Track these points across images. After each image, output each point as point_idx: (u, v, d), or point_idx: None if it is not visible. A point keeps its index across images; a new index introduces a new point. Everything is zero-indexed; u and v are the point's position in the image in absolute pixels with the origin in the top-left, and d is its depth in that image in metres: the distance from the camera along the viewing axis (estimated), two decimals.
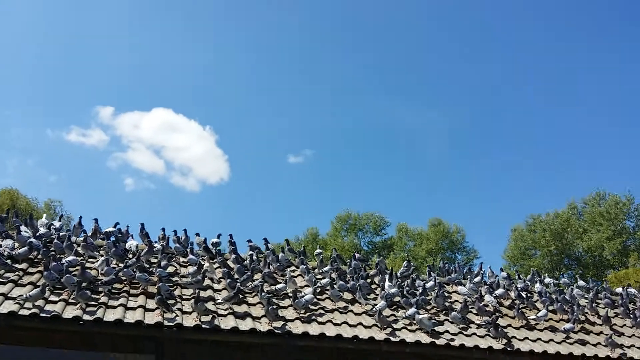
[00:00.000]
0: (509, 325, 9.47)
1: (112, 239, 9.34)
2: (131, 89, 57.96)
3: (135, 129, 58.08)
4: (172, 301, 7.72)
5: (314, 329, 7.81)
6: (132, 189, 53.77)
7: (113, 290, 7.88)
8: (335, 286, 9.13)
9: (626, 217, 40.50)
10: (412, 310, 8.76)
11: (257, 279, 9.09)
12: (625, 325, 10.61)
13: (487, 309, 9.70)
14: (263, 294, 8.21)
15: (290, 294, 8.46)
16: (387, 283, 9.79)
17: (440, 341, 8.25)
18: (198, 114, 67.15)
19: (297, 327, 7.79)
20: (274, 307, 7.93)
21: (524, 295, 10.50)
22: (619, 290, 12.12)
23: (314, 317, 8.21)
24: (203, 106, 59.18)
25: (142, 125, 57.20)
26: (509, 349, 8.51)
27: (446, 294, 10.34)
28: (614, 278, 27.82)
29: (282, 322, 7.82)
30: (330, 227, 44.40)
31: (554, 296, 10.77)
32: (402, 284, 10.00)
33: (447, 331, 8.68)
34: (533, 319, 9.85)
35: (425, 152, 58.44)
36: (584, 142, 56.08)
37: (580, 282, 12.57)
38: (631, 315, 10.52)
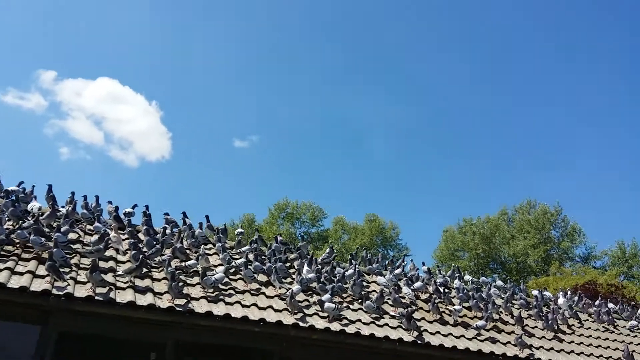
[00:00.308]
0: (423, 318, 9.32)
1: (13, 198, 8.55)
2: (77, 54, 55.27)
3: (77, 96, 55.23)
4: (66, 269, 7.09)
5: (219, 309, 7.35)
6: (67, 158, 51.43)
7: (2, 253, 7.18)
8: (250, 267, 8.70)
9: (552, 227, 41.95)
10: (326, 296, 8.46)
11: (167, 254, 8.56)
12: (536, 327, 10.70)
13: (403, 300, 9.53)
14: (169, 268, 7.69)
15: (201, 272, 7.95)
16: (305, 268, 9.45)
17: (351, 329, 7.97)
18: (145, 88, 64.76)
19: (201, 306, 7.32)
20: (179, 283, 7.42)
21: (442, 290, 10.39)
22: (535, 292, 12.26)
23: (222, 297, 7.76)
24: (151, 81, 57.24)
25: (84, 93, 54.85)
26: (419, 341, 8.32)
27: (365, 283, 10.13)
28: (534, 284, 28.59)
29: (185, 300, 7.33)
30: (268, 214, 43.90)
31: (470, 293, 10.74)
32: (322, 270, 9.69)
33: (359, 320, 8.43)
34: (447, 313, 9.79)
35: (370, 148, 58.69)
36: (523, 152, 57.57)
37: (499, 282, 12.66)
38: (543, 318, 10.61)
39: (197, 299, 7.52)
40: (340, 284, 9.16)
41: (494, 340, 9.28)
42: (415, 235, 56.43)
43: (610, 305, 13.57)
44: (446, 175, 57.91)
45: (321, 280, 9.01)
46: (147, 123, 54.60)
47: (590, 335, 11.13)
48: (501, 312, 10.76)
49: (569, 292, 13.35)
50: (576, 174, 54.74)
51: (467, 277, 11.91)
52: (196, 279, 8.04)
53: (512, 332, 9.91)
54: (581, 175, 55.20)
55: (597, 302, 13.09)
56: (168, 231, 9.28)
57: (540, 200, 42.85)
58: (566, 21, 55.62)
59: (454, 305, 10.22)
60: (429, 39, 58.07)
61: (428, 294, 10.50)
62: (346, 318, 8.33)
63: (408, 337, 8.33)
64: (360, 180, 58.88)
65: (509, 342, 9.38)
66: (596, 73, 55.97)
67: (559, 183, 54.35)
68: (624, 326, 12.49)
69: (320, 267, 9.86)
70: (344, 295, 9.22)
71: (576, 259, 42.00)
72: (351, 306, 8.90)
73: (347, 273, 9.77)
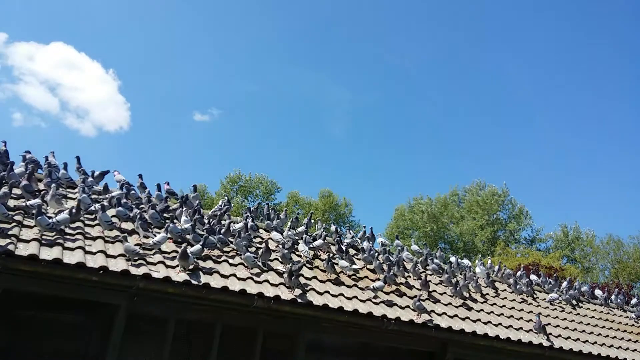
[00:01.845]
0: (315, 277, 8.16)
1: None
2: (29, 17, 52.09)
3: (29, 61, 51.94)
4: None
5: (50, 254, 6.00)
6: (20, 124, 48.56)
7: None
8: (107, 212, 7.35)
9: (500, 208, 41.58)
10: (196, 247, 7.19)
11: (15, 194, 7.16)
12: (445, 293, 9.67)
13: (295, 258, 8.34)
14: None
15: (36, 210, 6.53)
16: (183, 218, 8.17)
17: (216, 283, 6.74)
18: (102, 55, 61.56)
19: (27, 249, 5.96)
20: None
21: (344, 250, 9.24)
22: (453, 259, 11.25)
23: (60, 241, 6.40)
24: (109, 48, 54.28)
25: (37, 58, 51.59)
26: (299, 300, 7.15)
27: (261, 240, 8.92)
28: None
29: (8, 241, 5.96)
30: (220, 186, 42.40)
31: (380, 255, 9.64)
32: (210, 222, 8.43)
33: (234, 274, 7.21)
34: (347, 275, 8.68)
35: (327, 126, 57.50)
36: (476, 135, 57.10)
37: (414, 247, 11.63)
38: (453, 284, 9.58)
39: (27, 241, 6.17)
40: (222, 236, 7.89)
41: (390, 304, 8.18)
42: (369, 213, 55.62)
43: (533, 277, 12.72)
44: (401, 157, 57.20)
45: (195, 230, 7.73)
46: (104, 92, 52.16)
47: (504, 305, 10.17)
48: (409, 276, 9.70)
49: (490, 263, 12.39)
50: (526, 158, 54.62)
51: (378, 239, 10.80)
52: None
53: (416, 296, 8.83)
54: (530, 159, 55.05)
55: (518, 274, 12.19)
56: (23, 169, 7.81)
57: (490, 182, 42.44)
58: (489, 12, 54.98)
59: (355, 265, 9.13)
60: (391, 24, 56.80)
61: (331, 254, 9.34)
62: (218, 272, 7.10)
63: (287, 295, 7.15)
64: (318, 157, 57.69)
65: (408, 307, 8.30)
66: (543, 55, 55.67)
67: (509, 166, 54.17)
68: (544, 299, 11.61)
69: (209, 220, 8.62)
70: (227, 248, 7.97)
71: (522, 241, 41.82)
72: (230, 260, 7.67)
73: (236, 226, 8.53)
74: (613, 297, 13.46)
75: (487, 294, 10.52)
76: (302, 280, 7.80)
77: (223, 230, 8.13)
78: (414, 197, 42.59)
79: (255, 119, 57.82)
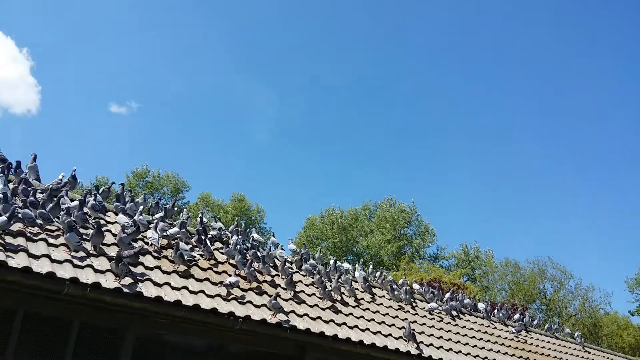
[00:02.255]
0: (158, 267, 7.03)
1: None
2: None
3: None
4: None
5: None
6: None
7: None
8: None
9: (407, 224, 41.93)
10: (1, 219, 5.89)
11: None
12: (314, 294, 8.82)
13: (135, 244, 7.18)
14: None
15: None
16: None
17: (18, 263, 5.46)
18: (16, 32, 57.15)
19: None
20: None
21: (202, 240, 8.18)
22: (331, 261, 10.44)
23: None
24: (25, 25, 50.30)
25: None
26: (125, 289, 6.00)
27: (102, 221, 7.67)
28: None
29: None
30: (125, 180, 39.93)
31: (248, 251, 8.65)
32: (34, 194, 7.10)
33: (47, 255, 5.94)
34: (201, 267, 7.62)
35: (251, 131, 56.34)
36: (392, 151, 57.74)
37: (291, 246, 10.75)
38: (322, 285, 8.75)
39: None
40: (45, 211, 6.60)
41: (244, 301, 7.19)
42: (282, 221, 54.78)
43: (415, 286, 12.18)
44: (319, 168, 56.90)
45: (10, 201, 6.40)
46: (14, 71, 48.34)
47: (378, 311, 9.47)
48: (277, 274, 8.78)
49: (371, 269, 11.73)
50: (434, 177, 55.86)
51: (255, 235, 9.83)
52: None
53: (278, 295, 7.91)
54: (440, 179, 56.32)
55: (400, 281, 11.60)
56: None
57: (399, 199, 42.78)
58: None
59: (215, 258, 8.12)
60: (320, 35, 56.67)
61: (191, 245, 8.26)
62: (27, 251, 5.82)
63: (111, 282, 5.99)
64: (237, 161, 56.32)
65: (265, 305, 7.34)
66: (444, 72, 57.47)
67: (418, 185, 55.17)
68: (424, 308, 11.05)
69: (42, 193, 7.30)
70: (53, 228, 6.68)
71: (426, 257, 42.35)
72: (52, 240, 6.40)
73: (71, 204, 7.26)
74: (495, 311, 13.20)
75: (362, 299, 9.78)
76: (140, 269, 6.69)
77: (51, 205, 6.84)
78: (326, 208, 42.17)
79: (176, 117, 55.78)
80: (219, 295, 7.02)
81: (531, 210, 55.37)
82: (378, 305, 9.90)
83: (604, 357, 14.17)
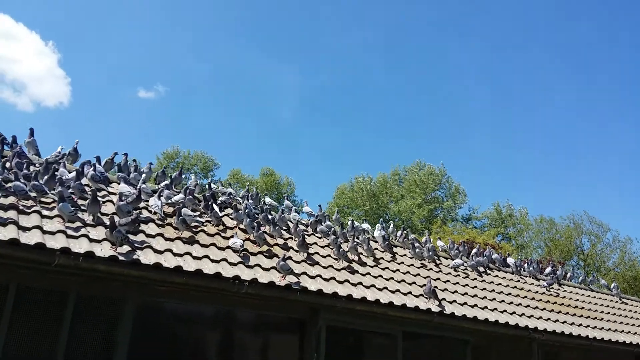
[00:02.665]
0: (160, 234, 6.71)
1: None
2: None
3: None
4: None
5: None
6: None
7: None
8: None
9: (437, 187, 41.11)
10: None
11: None
12: (330, 256, 8.42)
13: (135, 211, 6.85)
14: None
15: None
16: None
17: (5, 235, 5.21)
18: (41, 26, 57.40)
19: None
20: None
21: (210, 206, 7.85)
22: (349, 222, 10.03)
23: None
24: (49, 19, 50.52)
25: None
26: (120, 257, 5.68)
27: (103, 192, 7.40)
28: None
29: None
30: (156, 162, 40.20)
31: (253, 213, 8.28)
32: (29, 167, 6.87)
33: (38, 227, 5.67)
34: (208, 233, 7.30)
35: (275, 108, 55.81)
36: (419, 115, 56.52)
37: (307, 208, 10.38)
38: (337, 245, 8.34)
39: None
40: (38, 182, 6.33)
41: (251, 265, 6.84)
42: (312, 192, 54.53)
43: (440, 243, 11.70)
44: (347, 137, 56.20)
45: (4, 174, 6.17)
46: (43, 65, 48.71)
47: (398, 270, 9.03)
48: (290, 237, 8.41)
49: (393, 227, 11.28)
50: (465, 138, 54.48)
51: (268, 200, 9.48)
52: None
53: (289, 257, 7.55)
54: (469, 140, 54.91)
55: (423, 239, 11.10)
56: None
57: (429, 162, 41.88)
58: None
59: (224, 224, 7.79)
60: (337, 9, 55.28)
61: (199, 212, 7.94)
62: (17, 223, 5.55)
63: (107, 251, 5.69)
64: (263, 138, 56.05)
65: (274, 268, 6.98)
66: (483, 37, 55.45)
67: (447, 146, 53.99)
68: (448, 265, 10.55)
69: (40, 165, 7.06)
70: (48, 200, 6.41)
71: (459, 219, 41.55)
72: (45, 212, 6.13)
73: (69, 175, 6.99)
74: (526, 265, 12.60)
75: (382, 258, 9.35)
76: (141, 237, 6.39)
77: (46, 177, 6.57)
78: (355, 177, 41.65)
79: (201, 98, 55.51)
80: (225, 259, 6.68)
81: (564, 165, 53.61)
82: (399, 264, 9.46)
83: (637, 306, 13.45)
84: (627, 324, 11.23)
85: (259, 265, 6.90)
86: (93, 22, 51.24)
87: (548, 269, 12.76)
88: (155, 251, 6.22)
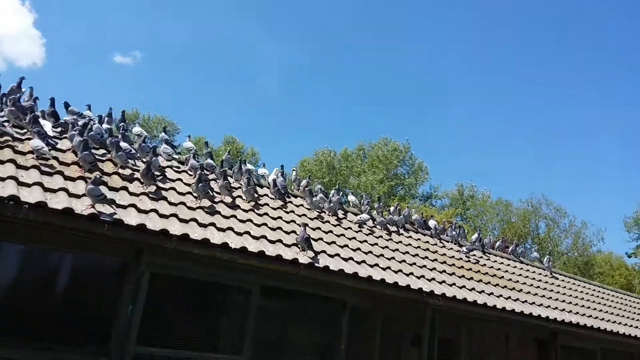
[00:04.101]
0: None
1: None
2: None
3: None
4: None
5: None
6: None
7: None
8: None
9: (400, 163, 39.76)
10: None
11: None
12: (190, 193, 6.84)
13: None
14: None
15: None
16: None
17: None
18: None
19: None
20: None
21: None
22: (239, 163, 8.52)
23: None
24: None
25: None
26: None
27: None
28: None
29: None
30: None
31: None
32: None
33: None
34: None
35: (252, 75, 53.66)
36: (395, 91, 54.84)
37: (188, 144, 8.87)
38: (198, 180, 6.77)
39: None
40: None
41: (53, 188, 5.22)
42: (277, 164, 52.73)
43: (351, 198, 10.29)
44: (320, 112, 54.50)
45: None
46: (18, 24, 45.85)
47: (280, 217, 7.50)
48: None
49: (296, 175, 9.81)
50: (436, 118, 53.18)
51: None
52: None
53: (104, 183, 5.96)
54: (436, 119, 53.60)
55: (332, 192, 9.61)
56: None
57: (395, 139, 40.43)
58: None
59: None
60: None
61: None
62: None
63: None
64: (242, 108, 53.83)
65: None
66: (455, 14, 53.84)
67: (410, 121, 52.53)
68: (353, 220, 9.07)
69: None
70: None
71: (419, 197, 40.36)
72: None
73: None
74: (449, 230, 11.20)
75: (267, 204, 7.81)
76: None
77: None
78: (317, 150, 40.09)
79: (180, 66, 52.93)
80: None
81: (530, 150, 52.70)
82: (287, 212, 7.93)
83: (574, 284, 12.20)
84: (550, 297, 9.92)
85: (64, 189, 5.28)
86: None
87: (474, 236, 11.38)
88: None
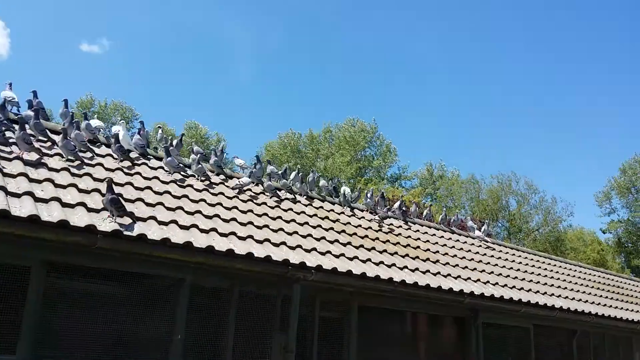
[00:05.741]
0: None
1: None
2: None
3: None
4: None
5: None
6: None
7: None
8: None
9: (367, 144, 38.30)
10: None
11: None
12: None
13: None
14: None
15: None
16: None
17: None
18: None
19: None
20: None
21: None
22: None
23: None
24: None
25: None
26: None
27: None
28: None
29: None
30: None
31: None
32: None
33: None
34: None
35: (221, 61, 51.83)
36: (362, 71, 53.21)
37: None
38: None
39: None
40: None
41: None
42: (244, 151, 51.16)
43: (239, 160, 8.74)
44: (289, 95, 52.83)
45: None
46: None
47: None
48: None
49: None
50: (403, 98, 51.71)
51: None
52: None
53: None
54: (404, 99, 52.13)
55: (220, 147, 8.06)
56: None
57: (362, 119, 38.92)
58: None
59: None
60: None
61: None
62: None
63: None
64: (216, 95, 51.98)
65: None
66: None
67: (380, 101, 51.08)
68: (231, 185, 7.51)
69: None
70: None
71: (387, 178, 38.95)
72: None
73: None
74: (368, 200, 9.68)
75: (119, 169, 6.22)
76: None
77: None
78: (279, 133, 38.54)
79: (149, 54, 50.93)
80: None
81: (500, 126, 51.52)
82: (131, 174, 6.35)
83: (513, 254, 10.77)
84: (475, 269, 8.47)
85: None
86: None
87: (396, 204, 9.89)
88: None
